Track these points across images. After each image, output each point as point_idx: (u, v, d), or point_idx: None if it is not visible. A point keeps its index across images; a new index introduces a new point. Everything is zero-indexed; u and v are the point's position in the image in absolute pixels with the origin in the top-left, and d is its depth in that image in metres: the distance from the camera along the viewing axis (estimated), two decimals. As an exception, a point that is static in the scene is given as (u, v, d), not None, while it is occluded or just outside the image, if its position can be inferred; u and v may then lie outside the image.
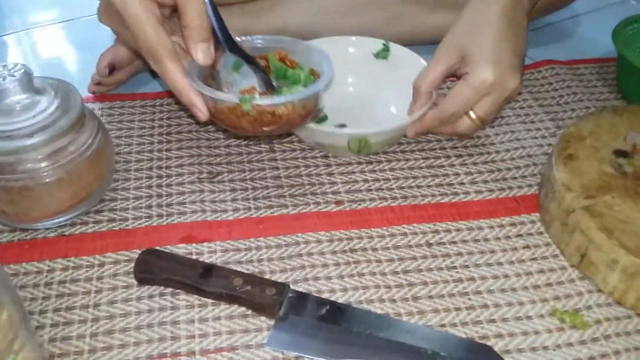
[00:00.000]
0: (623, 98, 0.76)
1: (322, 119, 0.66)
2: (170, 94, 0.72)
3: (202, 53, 0.50)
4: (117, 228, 0.57)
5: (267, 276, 0.53)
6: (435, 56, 0.62)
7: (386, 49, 0.71)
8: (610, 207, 0.52)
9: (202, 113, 0.52)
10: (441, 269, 0.54)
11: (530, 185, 0.63)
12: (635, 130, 0.61)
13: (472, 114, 0.61)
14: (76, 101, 0.55)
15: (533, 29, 0.92)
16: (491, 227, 0.58)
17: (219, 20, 0.53)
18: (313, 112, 0.55)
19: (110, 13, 0.53)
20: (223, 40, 0.54)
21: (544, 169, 0.63)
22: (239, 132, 0.57)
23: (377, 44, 0.72)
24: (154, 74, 0.75)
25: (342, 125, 0.65)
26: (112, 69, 0.71)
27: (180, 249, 0.55)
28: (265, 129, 0.53)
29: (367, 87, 0.73)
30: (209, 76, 0.55)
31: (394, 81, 0.70)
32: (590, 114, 0.63)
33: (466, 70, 0.59)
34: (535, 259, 0.55)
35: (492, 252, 0.56)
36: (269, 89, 0.55)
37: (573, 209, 0.53)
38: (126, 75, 0.73)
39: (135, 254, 0.54)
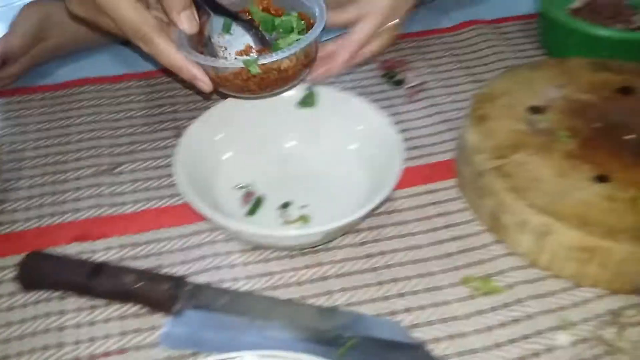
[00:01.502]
0: (546, 54, 0.74)
1: (257, 203, 0.54)
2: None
3: (187, 21, 0.49)
4: (5, 232, 0.53)
5: (165, 270, 0.49)
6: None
7: (310, 94, 0.58)
8: (521, 166, 0.50)
9: (206, 84, 0.50)
10: (352, 245, 0.51)
11: (447, 151, 0.60)
12: (551, 85, 0.58)
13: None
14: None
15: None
16: (405, 197, 0.55)
17: None
18: (315, 58, 0.54)
19: (83, 2, 0.50)
20: (204, 2, 0.52)
21: (459, 133, 0.60)
22: (246, 96, 0.54)
23: (299, 90, 0.58)
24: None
25: (285, 205, 0.53)
26: (2, 62, 0.65)
27: (73, 248, 0.51)
28: (272, 86, 0.52)
29: (303, 145, 0.59)
30: (199, 44, 0.53)
31: (329, 130, 0.58)
32: (506, 72, 0.61)
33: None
34: (448, 225, 0.52)
35: (405, 222, 0.53)
36: (265, 44, 0.53)
37: (483, 170, 0.50)
38: (20, 68, 0.68)
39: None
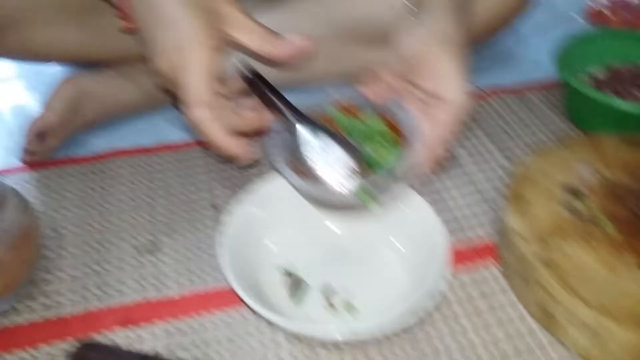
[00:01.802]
0: (571, 122, 0.75)
1: (301, 290, 0.54)
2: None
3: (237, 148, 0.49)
4: (52, 315, 0.53)
5: (214, 360, 0.49)
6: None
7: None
8: (566, 255, 0.50)
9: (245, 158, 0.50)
10: (400, 337, 0.51)
11: (489, 234, 0.60)
12: (586, 165, 0.59)
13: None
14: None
15: (475, 52, 0.90)
16: (451, 286, 0.55)
17: (279, 95, 0.50)
18: None
19: (169, 59, 0.49)
20: (290, 114, 0.50)
21: (499, 215, 0.60)
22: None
23: None
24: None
25: (329, 289, 0.54)
26: (43, 136, 0.66)
27: (119, 335, 0.51)
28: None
29: (345, 225, 0.59)
30: (291, 156, 0.51)
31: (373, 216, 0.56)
32: (540, 151, 0.62)
33: (433, 86, 0.51)
34: (502, 322, 0.52)
35: (455, 316, 0.52)
36: (361, 159, 0.50)
37: (528, 260, 0.51)
38: (58, 139, 0.69)
39: (70, 344, 0.50)
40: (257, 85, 0.51)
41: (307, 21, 0.75)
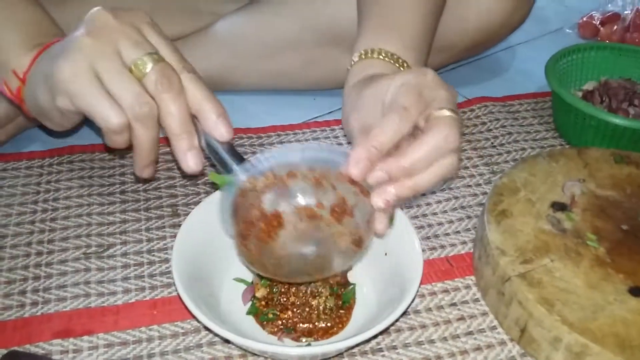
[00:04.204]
0: (560, 136, 0.71)
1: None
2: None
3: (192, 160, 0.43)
4: (-19, 322, 0.48)
5: (158, 376, 0.44)
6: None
7: None
8: (549, 273, 0.46)
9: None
10: (365, 352, 0.46)
11: (464, 243, 0.56)
12: (573, 179, 0.55)
13: (436, 112, 0.44)
14: None
15: (465, 64, 0.87)
16: (422, 295, 0.51)
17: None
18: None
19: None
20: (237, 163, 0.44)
21: (477, 225, 0.56)
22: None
23: None
24: (49, 131, 0.65)
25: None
26: (-12, 128, 0.61)
27: (55, 346, 0.46)
28: None
29: None
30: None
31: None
32: (524, 161, 0.58)
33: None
34: (471, 332, 0.48)
35: (423, 327, 0.48)
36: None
37: (509, 277, 0.46)
38: (6, 135, 0.64)
39: (0, 354, 0.44)
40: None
41: (291, 24, 0.71)
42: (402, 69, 0.52)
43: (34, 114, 0.48)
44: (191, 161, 0.43)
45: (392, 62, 0.52)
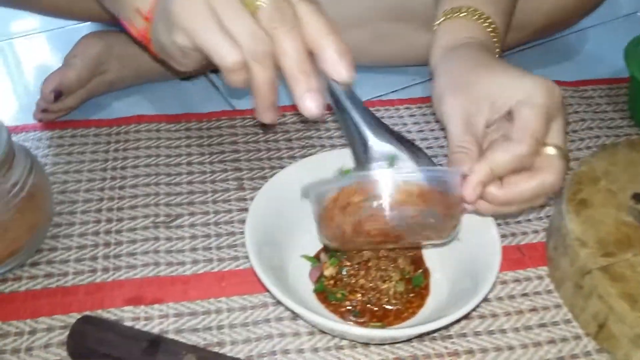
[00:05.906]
0: (636, 125, 0.68)
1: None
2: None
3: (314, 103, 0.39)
4: (54, 285, 0.49)
5: (227, 348, 0.45)
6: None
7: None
8: (632, 268, 0.44)
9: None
10: (434, 339, 0.46)
11: (536, 232, 0.54)
12: (656, 170, 0.53)
13: (549, 149, 0.43)
14: (1, 138, 0.46)
15: (535, 45, 0.84)
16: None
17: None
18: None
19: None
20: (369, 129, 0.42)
21: (552, 213, 0.54)
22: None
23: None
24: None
25: None
26: (59, 94, 0.62)
27: (127, 313, 0.47)
28: None
29: None
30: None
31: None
32: (604, 149, 0.55)
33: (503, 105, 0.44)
34: (544, 324, 0.47)
35: (494, 316, 0.47)
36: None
37: (589, 270, 0.45)
38: (76, 101, 0.64)
39: (73, 318, 0.45)
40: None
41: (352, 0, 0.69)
42: (492, 32, 0.50)
43: (161, 54, 0.46)
44: (310, 103, 0.39)
45: (480, 21, 0.50)
